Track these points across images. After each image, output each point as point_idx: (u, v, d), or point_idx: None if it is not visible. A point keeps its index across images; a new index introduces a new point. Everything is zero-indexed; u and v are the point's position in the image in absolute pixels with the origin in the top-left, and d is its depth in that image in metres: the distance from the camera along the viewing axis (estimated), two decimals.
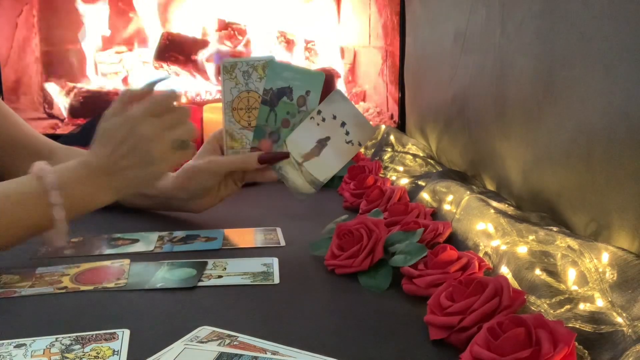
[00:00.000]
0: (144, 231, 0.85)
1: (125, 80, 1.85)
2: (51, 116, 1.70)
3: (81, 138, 1.05)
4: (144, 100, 0.76)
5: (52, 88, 1.76)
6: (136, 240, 0.81)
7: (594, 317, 0.50)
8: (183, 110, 0.78)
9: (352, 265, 0.69)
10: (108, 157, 0.73)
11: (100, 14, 1.85)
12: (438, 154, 1.22)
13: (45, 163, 0.70)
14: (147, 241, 0.81)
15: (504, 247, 0.65)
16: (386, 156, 1.18)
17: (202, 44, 1.77)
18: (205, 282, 0.68)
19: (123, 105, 0.77)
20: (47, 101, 1.75)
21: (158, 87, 0.78)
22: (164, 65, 1.77)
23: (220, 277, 0.69)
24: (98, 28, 1.85)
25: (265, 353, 0.51)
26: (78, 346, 0.53)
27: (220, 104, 1.30)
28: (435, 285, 0.61)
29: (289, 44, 1.91)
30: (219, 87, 1.72)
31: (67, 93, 1.69)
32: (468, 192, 0.81)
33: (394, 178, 1.04)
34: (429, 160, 1.14)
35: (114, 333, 0.55)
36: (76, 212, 0.71)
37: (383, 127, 1.36)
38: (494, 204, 0.77)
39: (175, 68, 1.77)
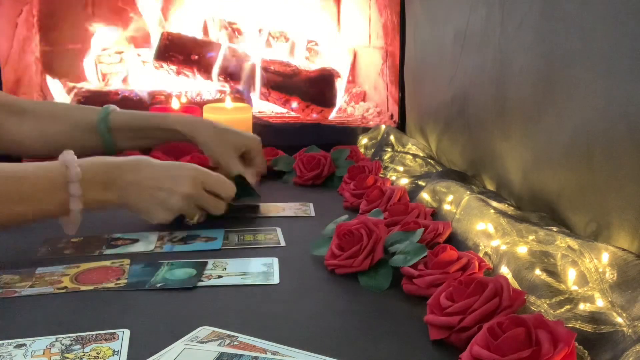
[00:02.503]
0: (144, 231, 0.85)
1: (125, 80, 1.85)
2: None
3: None
4: (209, 172, 0.84)
5: (52, 88, 1.76)
6: (136, 240, 0.81)
7: (594, 317, 0.50)
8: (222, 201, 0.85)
9: (352, 265, 0.69)
10: (143, 179, 0.78)
11: (101, 13, 1.85)
12: (438, 154, 1.22)
13: (72, 153, 0.74)
14: (147, 241, 0.81)
15: (504, 247, 0.65)
16: (386, 156, 1.18)
17: (203, 44, 1.77)
18: (205, 282, 0.68)
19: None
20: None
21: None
22: (164, 65, 1.77)
23: (220, 277, 0.69)
24: (98, 28, 1.85)
25: (265, 353, 0.51)
26: (78, 346, 0.53)
27: (220, 104, 1.30)
28: (435, 285, 0.61)
29: (289, 43, 1.91)
30: (219, 87, 1.72)
31: (67, 93, 1.69)
32: (468, 192, 0.81)
33: (394, 178, 1.04)
34: (429, 160, 1.14)
35: (114, 333, 0.55)
36: (89, 205, 0.74)
37: (383, 127, 1.36)
38: (494, 204, 0.77)
39: (175, 68, 1.77)
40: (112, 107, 1.02)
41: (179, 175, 0.80)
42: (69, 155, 0.74)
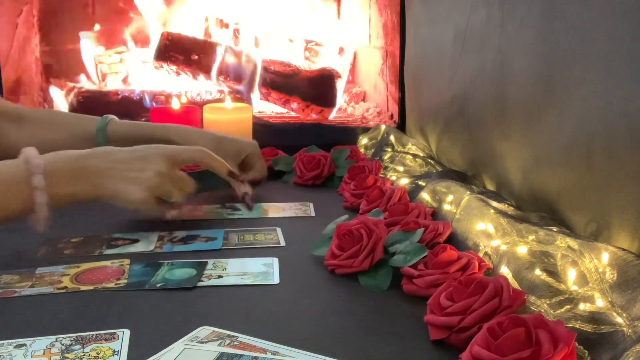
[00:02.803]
0: (144, 231, 0.85)
1: (125, 80, 1.85)
2: None
3: None
4: (181, 150, 0.84)
5: (52, 88, 1.76)
6: (136, 240, 0.81)
7: (594, 317, 0.50)
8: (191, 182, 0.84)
9: (352, 265, 0.69)
10: (112, 162, 0.77)
11: (101, 13, 1.85)
12: (438, 154, 1.22)
13: (34, 149, 0.73)
14: (147, 241, 0.81)
15: (504, 247, 0.65)
16: (386, 156, 1.18)
17: (203, 44, 1.77)
18: (205, 282, 0.68)
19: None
20: (47, 101, 1.75)
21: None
22: (164, 65, 1.77)
23: (220, 277, 0.69)
24: (98, 28, 1.85)
25: (265, 353, 0.51)
26: (78, 346, 0.53)
27: (220, 104, 1.30)
28: (435, 285, 0.61)
29: (289, 43, 1.91)
30: (219, 87, 1.72)
31: (67, 93, 1.69)
32: (468, 192, 0.81)
33: (394, 178, 1.04)
34: (429, 160, 1.14)
35: (114, 333, 0.55)
36: (58, 199, 0.73)
37: (383, 127, 1.36)
38: (494, 204, 0.77)
39: (175, 68, 1.77)
40: (111, 117, 1.01)
41: (149, 154, 0.79)
42: (30, 150, 0.72)
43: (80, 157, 0.76)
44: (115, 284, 0.67)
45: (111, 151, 0.79)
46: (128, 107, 1.61)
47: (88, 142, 0.97)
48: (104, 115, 1.01)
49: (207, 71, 1.75)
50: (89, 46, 1.83)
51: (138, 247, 0.79)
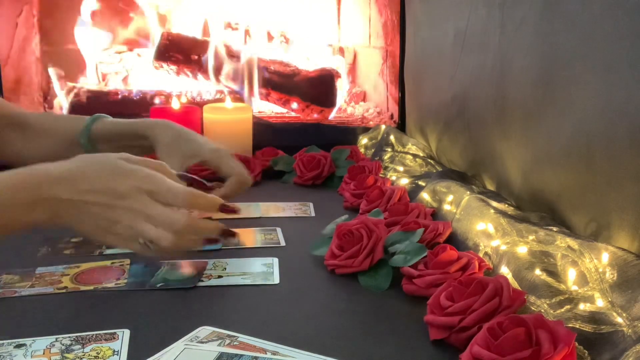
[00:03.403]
0: None
1: (125, 80, 1.85)
2: None
3: None
4: (160, 180, 0.67)
5: (52, 88, 1.76)
6: None
7: (594, 317, 0.50)
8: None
9: (352, 265, 0.69)
10: (78, 193, 0.64)
11: (101, 13, 1.85)
12: (438, 154, 1.22)
13: None
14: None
15: (504, 247, 0.65)
16: (386, 156, 1.18)
17: (203, 44, 1.77)
18: (205, 282, 0.68)
19: (145, 162, 0.69)
20: (47, 101, 1.75)
21: None
22: (164, 65, 1.77)
23: (220, 277, 0.69)
24: (98, 28, 1.85)
25: (265, 353, 0.51)
26: (78, 346, 0.53)
27: (220, 104, 1.30)
28: (435, 285, 0.61)
29: (289, 43, 1.91)
30: (219, 87, 1.72)
31: (67, 93, 1.69)
32: (468, 192, 0.81)
33: (394, 178, 1.04)
34: (429, 160, 1.14)
35: (114, 333, 0.55)
36: (12, 229, 0.63)
37: (383, 127, 1.36)
38: (494, 204, 0.77)
39: (175, 68, 1.77)
40: (101, 116, 0.96)
41: (121, 189, 0.65)
42: None
43: (41, 180, 0.63)
44: (115, 284, 0.67)
45: (79, 171, 0.65)
46: (128, 107, 1.61)
47: (74, 144, 0.95)
48: (95, 115, 0.97)
49: (207, 71, 1.75)
50: (89, 46, 1.83)
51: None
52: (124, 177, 0.65)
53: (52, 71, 1.78)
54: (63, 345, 0.53)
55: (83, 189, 0.64)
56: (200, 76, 1.76)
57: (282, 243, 0.81)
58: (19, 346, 0.53)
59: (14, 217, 0.62)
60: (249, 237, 0.84)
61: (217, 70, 1.74)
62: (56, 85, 1.75)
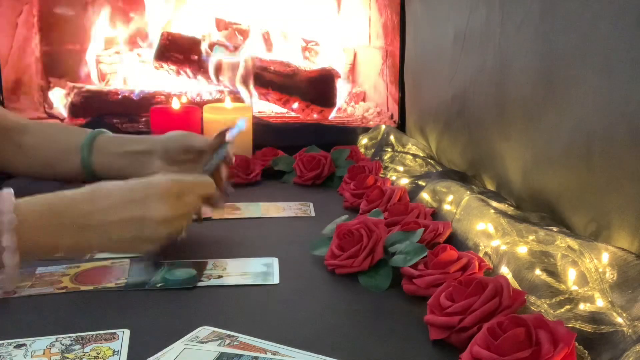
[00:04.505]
0: None
1: (125, 81, 1.85)
2: (51, 116, 1.69)
3: None
4: (178, 177, 0.71)
5: (52, 88, 1.76)
6: None
7: (594, 317, 0.50)
8: (203, 188, 0.75)
9: (352, 265, 0.69)
10: (95, 214, 0.64)
11: (101, 13, 1.85)
12: (438, 154, 1.22)
13: (10, 194, 0.61)
14: None
15: (504, 247, 0.65)
16: (386, 156, 1.18)
17: (208, 46, 1.77)
18: (205, 282, 0.68)
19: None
20: (47, 101, 1.75)
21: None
22: (164, 65, 1.77)
23: (220, 277, 0.69)
24: (98, 28, 1.85)
25: (265, 353, 0.51)
26: (78, 346, 0.53)
27: (220, 104, 1.30)
28: (435, 285, 0.61)
29: (289, 43, 1.91)
30: (219, 87, 1.72)
31: (67, 93, 1.69)
32: (468, 192, 0.81)
33: (394, 178, 1.04)
34: (429, 160, 1.14)
35: (114, 333, 0.55)
36: (33, 257, 0.64)
37: (383, 127, 1.35)
38: (494, 204, 0.77)
39: (175, 68, 1.77)
40: (102, 131, 0.97)
41: (146, 197, 0.66)
42: (5, 195, 0.61)
43: (63, 206, 0.64)
44: (115, 284, 0.67)
45: (99, 193, 0.66)
46: (128, 107, 1.61)
47: (76, 155, 0.95)
48: (97, 130, 0.97)
49: (207, 71, 1.75)
50: (89, 46, 1.83)
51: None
52: (150, 186, 0.68)
53: (51, 71, 1.78)
54: (63, 345, 0.53)
55: (104, 207, 0.65)
56: (200, 76, 1.76)
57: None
58: (19, 346, 0.53)
59: (41, 241, 0.62)
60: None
61: (217, 70, 1.74)
62: (56, 85, 1.75)
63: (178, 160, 0.91)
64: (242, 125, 0.87)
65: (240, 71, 1.70)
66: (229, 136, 0.88)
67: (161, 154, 0.92)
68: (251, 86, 1.71)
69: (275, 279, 0.69)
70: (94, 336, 0.54)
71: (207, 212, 0.92)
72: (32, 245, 0.61)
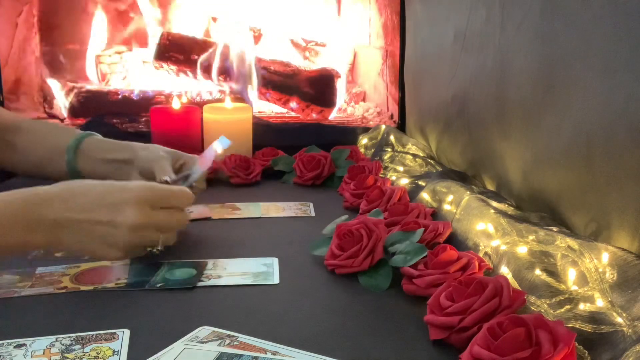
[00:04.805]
0: None
1: (125, 80, 1.85)
2: (51, 116, 1.69)
3: None
4: (157, 186, 0.71)
5: (52, 88, 1.75)
6: None
7: (594, 317, 0.50)
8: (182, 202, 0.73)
9: (352, 265, 0.69)
10: (68, 212, 0.64)
11: (101, 13, 1.85)
12: (438, 154, 1.22)
13: None
14: None
15: (504, 247, 0.65)
16: (386, 156, 1.18)
17: (204, 44, 1.77)
18: (205, 282, 0.68)
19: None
20: (47, 101, 1.75)
21: None
22: (164, 65, 1.77)
23: (220, 277, 0.69)
24: (98, 28, 1.85)
25: (265, 353, 0.51)
26: (78, 346, 0.53)
27: (220, 104, 1.30)
28: (435, 285, 0.61)
29: (289, 43, 1.91)
30: (219, 87, 1.72)
31: (67, 93, 1.69)
32: (468, 192, 0.81)
33: (394, 178, 1.04)
34: (429, 160, 1.14)
35: (114, 333, 0.55)
36: (10, 251, 0.64)
37: (383, 127, 1.36)
38: (494, 204, 0.77)
39: (175, 68, 1.77)
40: (91, 133, 0.96)
41: (118, 202, 0.66)
42: None
43: (37, 202, 0.64)
44: (115, 284, 0.67)
45: (72, 192, 0.66)
46: (128, 107, 1.61)
47: (62, 157, 0.94)
48: (85, 132, 0.97)
49: (207, 71, 1.75)
50: (89, 46, 1.83)
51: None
52: (124, 191, 0.67)
53: (52, 71, 1.78)
54: (63, 345, 0.53)
55: (77, 207, 0.64)
56: (200, 76, 1.76)
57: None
58: (19, 346, 0.53)
59: (12, 238, 0.62)
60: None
61: (217, 70, 1.74)
62: (56, 85, 1.75)
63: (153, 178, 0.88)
64: (223, 144, 0.86)
65: (243, 71, 1.70)
66: (208, 156, 0.88)
67: (140, 166, 0.91)
68: (255, 86, 1.71)
69: (275, 279, 0.69)
70: (94, 336, 0.54)
71: (206, 212, 0.92)
72: (9, 238, 0.62)
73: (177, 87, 1.72)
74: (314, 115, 1.72)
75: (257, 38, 1.86)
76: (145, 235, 0.68)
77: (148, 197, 0.68)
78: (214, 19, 1.86)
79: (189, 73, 1.77)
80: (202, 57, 1.73)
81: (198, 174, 0.88)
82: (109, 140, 0.97)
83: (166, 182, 0.83)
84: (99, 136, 0.98)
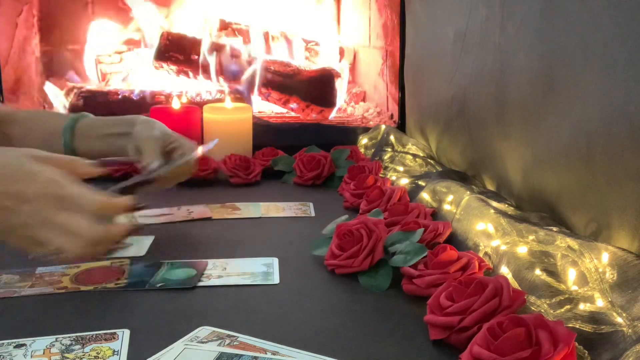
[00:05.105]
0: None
1: (125, 80, 1.85)
2: None
3: None
4: (66, 185, 0.63)
5: (52, 88, 1.76)
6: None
7: (594, 317, 0.50)
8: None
9: (352, 265, 0.69)
10: None
11: (101, 13, 1.85)
12: (438, 154, 1.22)
13: None
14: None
15: (504, 247, 0.65)
16: (386, 156, 1.18)
17: (208, 45, 1.77)
18: (205, 282, 0.68)
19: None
20: (47, 101, 1.75)
21: None
22: (164, 65, 1.77)
23: (220, 277, 0.69)
24: (98, 28, 1.85)
25: (265, 353, 0.51)
26: (78, 346, 0.53)
27: (220, 104, 1.30)
28: (435, 285, 0.61)
29: (289, 43, 1.91)
30: (219, 87, 1.72)
31: (67, 93, 1.69)
32: (468, 192, 0.81)
33: (394, 178, 1.04)
34: (429, 160, 1.14)
35: (114, 333, 0.55)
36: None
37: (383, 127, 1.36)
38: (494, 204, 0.77)
39: (175, 68, 1.77)
40: (84, 114, 0.95)
41: (25, 192, 0.60)
42: None
43: None
44: (115, 284, 0.67)
45: None
46: (128, 107, 1.61)
47: (59, 139, 0.93)
48: (79, 113, 0.96)
49: (207, 71, 1.75)
50: (89, 46, 1.83)
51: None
52: (29, 180, 0.61)
53: (52, 71, 1.78)
54: (63, 345, 0.53)
55: None
56: (200, 76, 1.76)
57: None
58: (19, 346, 0.53)
59: None
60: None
61: (218, 70, 1.74)
62: (56, 85, 1.75)
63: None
64: (209, 147, 0.86)
65: (245, 71, 1.71)
66: (200, 151, 0.87)
67: (134, 141, 0.89)
68: (256, 86, 1.72)
69: (275, 279, 0.69)
70: (94, 336, 0.54)
71: (206, 212, 0.92)
72: None
73: (177, 87, 1.72)
74: (314, 115, 1.72)
75: (267, 41, 1.86)
76: (40, 234, 0.61)
77: (54, 194, 0.62)
78: (223, 22, 1.85)
79: (189, 73, 1.77)
80: (209, 58, 1.73)
81: (175, 165, 0.85)
82: (103, 117, 0.97)
83: (125, 187, 0.77)
84: (91, 116, 0.97)
